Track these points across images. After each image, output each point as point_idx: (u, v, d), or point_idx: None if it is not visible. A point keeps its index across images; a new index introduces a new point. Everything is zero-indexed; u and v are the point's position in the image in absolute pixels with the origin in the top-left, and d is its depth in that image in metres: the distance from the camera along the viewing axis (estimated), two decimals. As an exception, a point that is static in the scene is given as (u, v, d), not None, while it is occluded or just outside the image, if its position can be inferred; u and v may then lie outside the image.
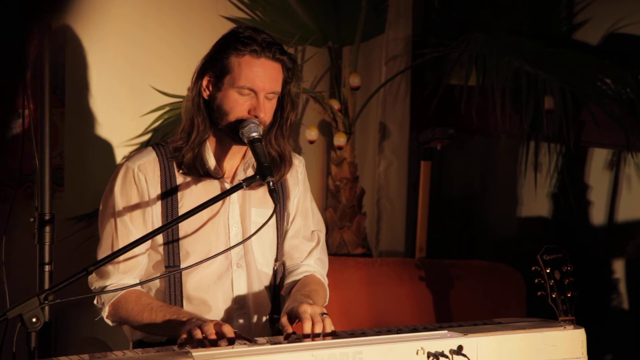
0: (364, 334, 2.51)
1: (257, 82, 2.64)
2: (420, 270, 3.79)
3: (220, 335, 2.38)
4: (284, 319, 2.55)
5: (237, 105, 2.65)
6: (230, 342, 2.38)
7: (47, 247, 3.05)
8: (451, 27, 4.46)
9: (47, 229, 3.05)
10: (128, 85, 3.84)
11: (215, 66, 2.67)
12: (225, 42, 2.69)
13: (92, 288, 2.70)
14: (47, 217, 3.07)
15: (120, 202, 2.69)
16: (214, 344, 2.36)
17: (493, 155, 4.67)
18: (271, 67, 2.67)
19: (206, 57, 2.71)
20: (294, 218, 2.87)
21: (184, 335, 2.41)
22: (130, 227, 2.68)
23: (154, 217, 2.69)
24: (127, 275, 2.68)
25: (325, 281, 2.90)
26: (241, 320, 2.75)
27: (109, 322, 2.72)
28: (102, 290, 2.66)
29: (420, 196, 4.12)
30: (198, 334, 2.39)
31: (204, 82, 2.69)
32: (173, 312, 2.60)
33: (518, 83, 3.99)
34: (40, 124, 3.04)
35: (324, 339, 2.45)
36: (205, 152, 2.71)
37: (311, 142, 4.22)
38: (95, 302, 2.71)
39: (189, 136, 2.69)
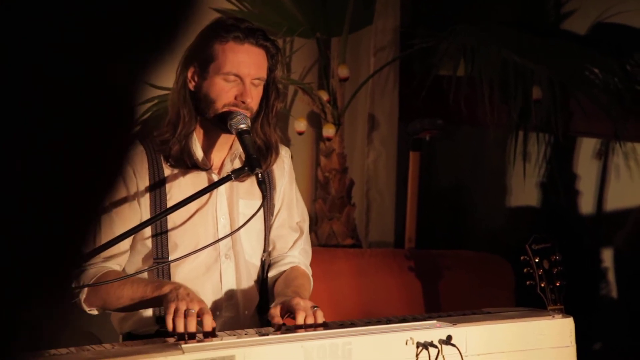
0: (353, 325, 2.51)
1: (243, 67, 2.64)
2: (410, 260, 3.80)
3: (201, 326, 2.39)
4: (275, 310, 2.55)
5: (223, 92, 2.65)
6: (205, 335, 2.38)
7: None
8: (439, 17, 4.46)
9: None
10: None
11: (199, 56, 2.67)
12: (208, 31, 2.69)
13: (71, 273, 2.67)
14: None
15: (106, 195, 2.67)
16: (192, 337, 2.37)
17: (482, 145, 4.67)
18: (255, 53, 2.67)
19: (189, 47, 2.71)
20: (279, 209, 2.87)
21: (169, 324, 2.40)
22: (116, 221, 2.67)
23: (142, 210, 2.68)
24: (108, 262, 2.66)
25: (309, 271, 2.91)
26: (230, 312, 2.75)
27: (85, 306, 2.66)
28: (82, 273, 2.62)
29: (410, 187, 4.12)
30: (180, 328, 2.38)
31: (189, 73, 2.69)
32: (155, 281, 2.59)
33: (506, 73, 4.00)
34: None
35: (314, 330, 2.46)
36: (192, 143, 2.71)
37: (300, 134, 4.22)
38: (73, 285, 2.68)
39: (175, 128, 2.69)
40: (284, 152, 2.88)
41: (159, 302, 2.52)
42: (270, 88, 2.75)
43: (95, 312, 2.70)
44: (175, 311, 2.40)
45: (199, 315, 2.40)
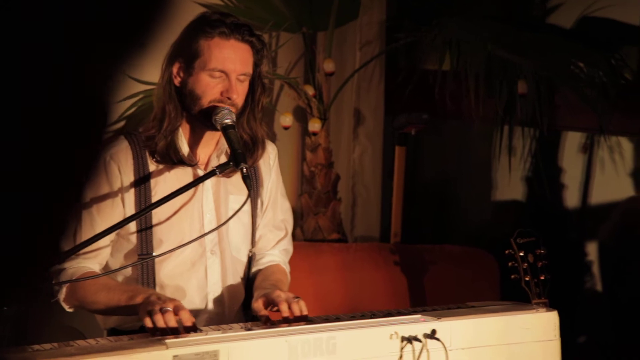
0: (337, 319, 2.52)
1: (228, 63, 2.64)
2: (395, 255, 3.80)
3: (181, 323, 2.39)
4: (258, 304, 2.55)
5: (209, 88, 2.64)
6: (188, 330, 2.38)
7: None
8: (425, 11, 4.46)
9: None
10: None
11: (185, 51, 2.66)
12: (193, 27, 2.68)
13: (51, 270, 2.65)
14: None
15: (88, 192, 2.68)
16: (175, 332, 2.36)
17: (467, 140, 4.68)
18: (241, 49, 2.66)
19: (174, 43, 2.70)
20: (266, 207, 2.87)
21: (148, 324, 2.40)
22: (96, 218, 2.66)
23: (127, 206, 2.67)
24: (87, 261, 2.66)
25: (288, 269, 2.92)
26: (215, 307, 2.75)
27: (65, 306, 2.67)
28: (60, 273, 2.62)
29: (395, 181, 4.12)
30: (160, 322, 2.38)
31: (174, 69, 2.68)
32: (129, 290, 2.58)
33: (491, 67, 4.00)
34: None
35: (298, 324, 2.46)
36: (178, 139, 2.70)
37: (286, 128, 4.22)
38: (53, 282, 2.68)
39: (160, 124, 2.68)
40: (271, 149, 2.88)
41: (133, 310, 2.51)
42: (256, 83, 2.74)
43: (75, 309, 2.70)
44: (150, 312, 2.39)
45: (176, 313, 2.39)
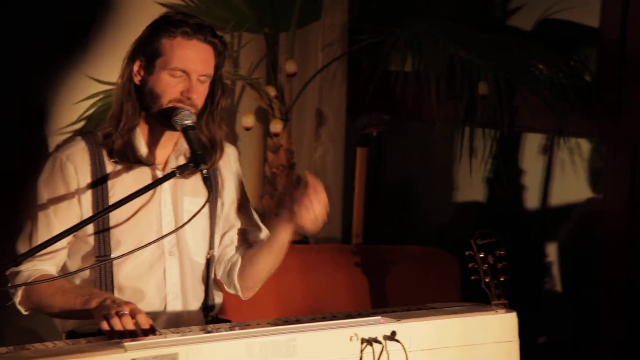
0: (298, 321, 2.51)
1: (190, 63, 2.63)
2: (357, 256, 3.80)
3: (138, 326, 2.37)
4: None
5: (169, 87, 2.63)
6: (146, 333, 2.37)
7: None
8: (387, 13, 4.47)
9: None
10: (62, 74, 3.78)
11: (146, 50, 2.65)
12: (156, 26, 2.67)
13: (6, 273, 2.64)
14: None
15: (44, 193, 2.65)
16: (133, 335, 2.35)
17: (429, 141, 4.69)
18: (203, 50, 2.66)
19: (136, 41, 2.69)
20: (234, 211, 2.87)
21: (105, 328, 2.38)
22: (53, 220, 2.64)
23: (84, 207, 2.65)
24: (43, 263, 2.63)
25: None
26: (174, 309, 2.74)
27: (21, 309, 2.66)
28: (16, 276, 2.61)
29: (357, 183, 4.13)
30: (118, 325, 2.36)
31: (135, 67, 2.67)
32: (84, 293, 2.55)
33: (453, 69, 4.02)
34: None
35: (258, 327, 2.45)
36: (136, 139, 2.68)
37: (247, 129, 4.21)
38: (9, 285, 2.66)
39: (118, 122, 2.67)
40: (231, 151, 2.88)
41: (88, 314, 2.49)
42: (216, 85, 2.74)
43: (31, 312, 2.68)
44: (106, 316, 2.38)
45: (132, 317, 2.38)
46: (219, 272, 2.89)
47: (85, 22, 3.84)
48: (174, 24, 2.64)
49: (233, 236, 2.89)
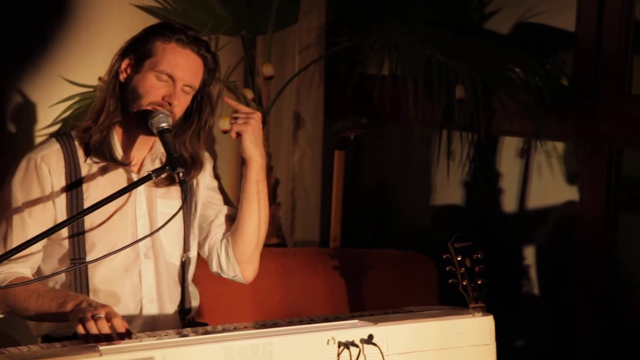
0: (275, 325, 2.50)
1: (178, 70, 2.63)
2: (334, 259, 3.80)
3: (114, 329, 2.35)
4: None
5: (152, 89, 2.63)
6: (122, 337, 2.35)
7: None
8: (365, 16, 4.47)
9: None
10: (37, 76, 3.76)
11: (139, 49, 2.67)
12: (153, 29, 2.70)
13: None
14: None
15: (19, 195, 2.63)
16: (109, 338, 2.33)
17: (407, 144, 4.69)
18: (194, 60, 2.67)
19: (131, 39, 2.71)
20: (217, 212, 2.86)
21: (81, 331, 2.36)
22: (28, 221, 2.62)
23: (58, 209, 2.64)
24: (18, 265, 2.61)
25: None
26: (150, 312, 2.72)
27: None
28: None
29: (335, 186, 4.12)
30: (93, 329, 2.34)
31: (123, 64, 2.68)
32: (59, 296, 2.53)
33: (430, 72, 4.02)
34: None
35: (235, 330, 2.44)
36: (112, 137, 2.67)
37: (225, 132, 4.19)
38: None
39: (98, 117, 2.66)
40: (206, 155, 2.87)
41: (63, 317, 2.47)
42: (204, 102, 2.75)
43: (6, 315, 2.65)
44: (82, 319, 2.36)
45: (108, 320, 2.36)
46: (215, 259, 2.85)
47: (59, 22, 3.82)
48: (171, 30, 2.67)
49: (219, 223, 2.87)
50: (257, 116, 2.74)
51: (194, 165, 2.75)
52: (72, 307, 2.44)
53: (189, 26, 2.75)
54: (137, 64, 2.66)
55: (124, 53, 2.69)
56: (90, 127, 2.66)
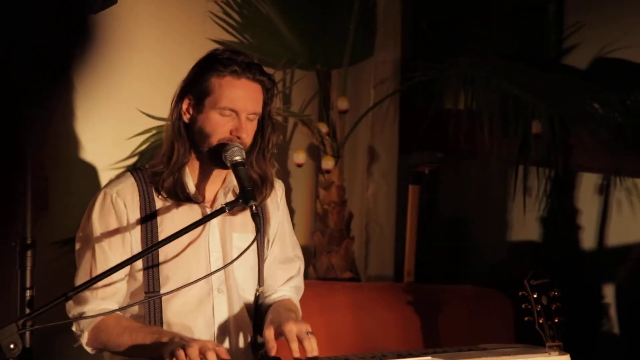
0: (347, 360, 2.48)
1: (239, 102, 2.63)
2: (408, 295, 3.76)
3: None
4: (269, 331, 2.53)
5: (219, 126, 2.64)
6: None
7: (28, 272, 3.02)
8: (440, 50, 4.45)
9: (29, 253, 3.03)
10: (114, 109, 3.82)
11: (195, 88, 2.66)
12: (204, 64, 2.68)
13: (70, 315, 2.66)
14: (28, 242, 3.04)
15: (98, 228, 2.67)
16: None
17: (482, 179, 4.65)
18: (252, 88, 2.66)
19: (185, 80, 2.70)
20: (272, 243, 2.85)
21: (168, 359, 2.38)
22: (109, 254, 2.65)
23: (133, 242, 2.66)
24: (106, 302, 2.65)
25: (299, 307, 2.89)
26: (223, 346, 2.72)
27: (88, 349, 2.68)
28: (81, 316, 2.62)
29: (409, 220, 4.09)
30: (182, 357, 2.36)
31: (184, 106, 2.68)
32: (154, 331, 2.56)
33: (506, 107, 3.98)
34: (22, 146, 3.01)
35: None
36: (185, 176, 2.69)
37: (299, 166, 4.20)
38: (74, 329, 2.68)
39: (169, 161, 2.67)
40: (278, 186, 2.87)
41: (158, 350, 2.49)
42: (265, 122, 2.73)
43: (98, 352, 2.70)
44: (173, 352, 2.39)
45: (202, 353, 2.37)
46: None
47: (136, 55, 3.88)
48: (222, 63, 2.65)
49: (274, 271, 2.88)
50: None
51: (264, 185, 2.75)
52: (168, 339, 2.48)
53: (238, 51, 2.73)
54: (198, 104, 2.66)
55: (181, 94, 2.69)
56: (162, 171, 2.68)
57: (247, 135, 2.65)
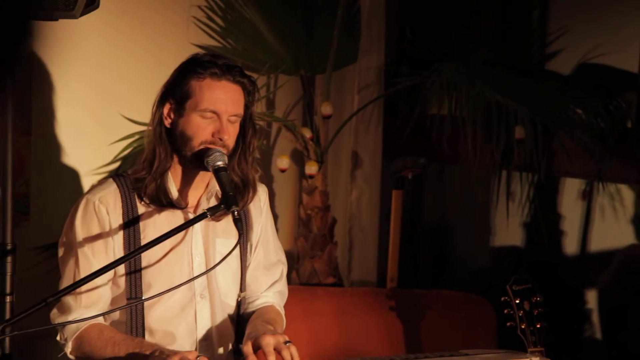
0: (329, 366, 2.48)
1: (220, 104, 2.62)
2: (391, 300, 3.76)
3: None
4: (247, 347, 2.51)
5: (200, 129, 2.63)
6: None
7: (8, 278, 2.99)
8: (423, 56, 4.45)
9: (9, 259, 2.99)
10: (96, 114, 3.81)
11: (176, 92, 2.65)
12: (184, 68, 2.68)
13: (53, 323, 2.65)
14: (9, 247, 3.01)
15: (81, 235, 2.66)
16: None
17: (465, 184, 4.66)
18: (232, 90, 2.65)
19: (166, 84, 2.70)
20: (255, 249, 2.84)
21: None
22: (92, 260, 2.64)
23: (116, 249, 2.65)
24: (89, 310, 2.63)
25: (283, 312, 2.88)
26: (204, 352, 2.71)
27: (72, 358, 2.67)
28: (64, 322, 2.61)
29: (392, 226, 4.09)
30: None
31: (165, 110, 2.67)
32: (136, 344, 2.55)
33: (489, 113, 3.99)
34: (2, 151, 2.99)
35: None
36: (168, 182, 2.68)
37: (282, 171, 4.20)
38: (58, 338, 2.67)
39: (151, 166, 2.67)
40: (261, 190, 2.86)
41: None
42: (247, 125, 2.73)
43: None
44: None
45: None
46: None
47: (119, 59, 3.87)
48: (202, 66, 2.64)
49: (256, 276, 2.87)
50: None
51: (246, 188, 2.74)
52: (149, 353, 2.47)
53: (218, 54, 2.73)
54: (179, 108, 2.65)
55: (162, 99, 2.68)
56: (145, 177, 2.67)
57: (229, 137, 2.65)
